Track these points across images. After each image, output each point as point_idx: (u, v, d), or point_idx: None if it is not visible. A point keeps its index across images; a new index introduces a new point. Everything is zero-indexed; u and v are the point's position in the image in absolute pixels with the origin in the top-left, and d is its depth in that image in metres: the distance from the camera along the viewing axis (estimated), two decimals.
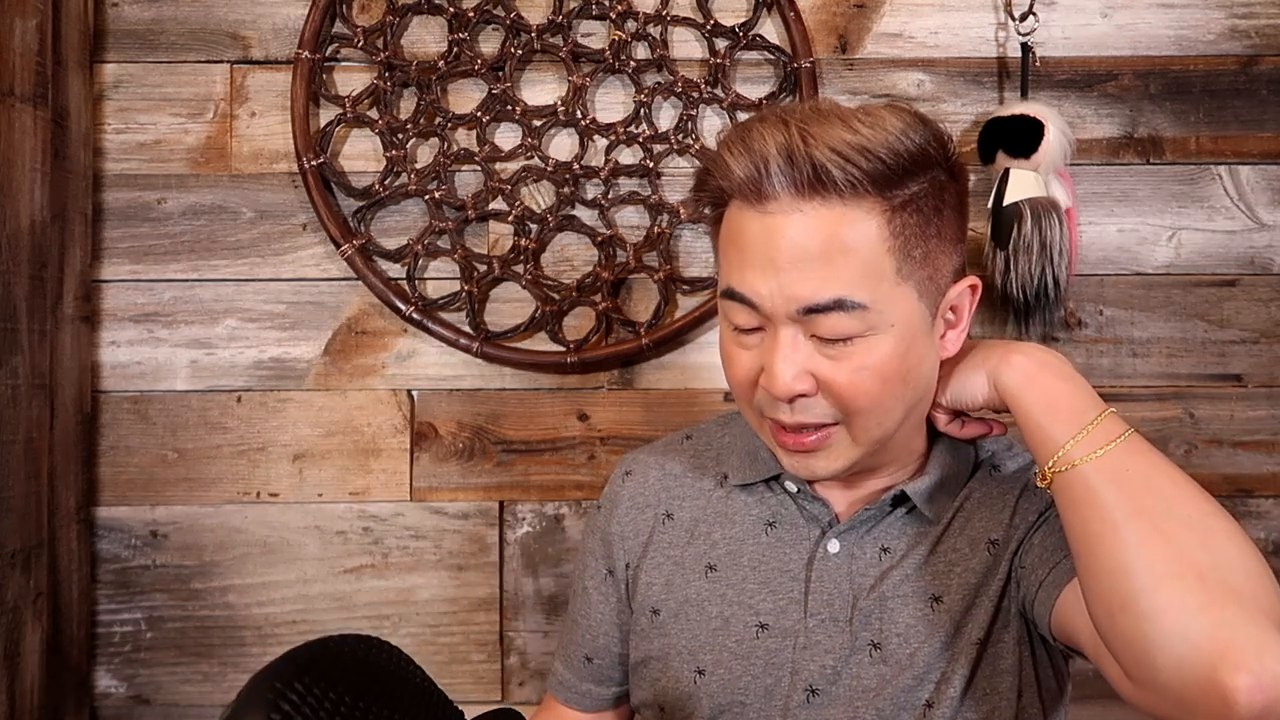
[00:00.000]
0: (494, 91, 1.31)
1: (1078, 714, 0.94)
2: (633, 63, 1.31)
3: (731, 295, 0.81)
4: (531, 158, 1.32)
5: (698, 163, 1.31)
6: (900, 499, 0.88)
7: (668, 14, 1.31)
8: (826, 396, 0.80)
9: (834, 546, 0.88)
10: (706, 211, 0.87)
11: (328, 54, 1.32)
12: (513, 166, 1.33)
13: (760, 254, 0.79)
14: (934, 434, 0.90)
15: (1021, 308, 1.27)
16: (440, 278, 1.34)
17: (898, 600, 0.87)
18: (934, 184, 0.80)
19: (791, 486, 0.91)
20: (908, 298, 0.80)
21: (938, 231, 0.81)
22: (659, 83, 1.32)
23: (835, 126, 0.77)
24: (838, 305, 0.77)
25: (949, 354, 0.85)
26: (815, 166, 0.76)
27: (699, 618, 0.91)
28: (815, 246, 0.77)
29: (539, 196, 1.34)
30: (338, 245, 1.30)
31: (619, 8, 1.31)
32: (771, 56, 1.32)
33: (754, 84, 1.33)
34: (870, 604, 0.87)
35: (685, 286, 1.32)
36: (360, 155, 1.34)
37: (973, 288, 0.85)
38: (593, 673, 1.01)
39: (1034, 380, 0.78)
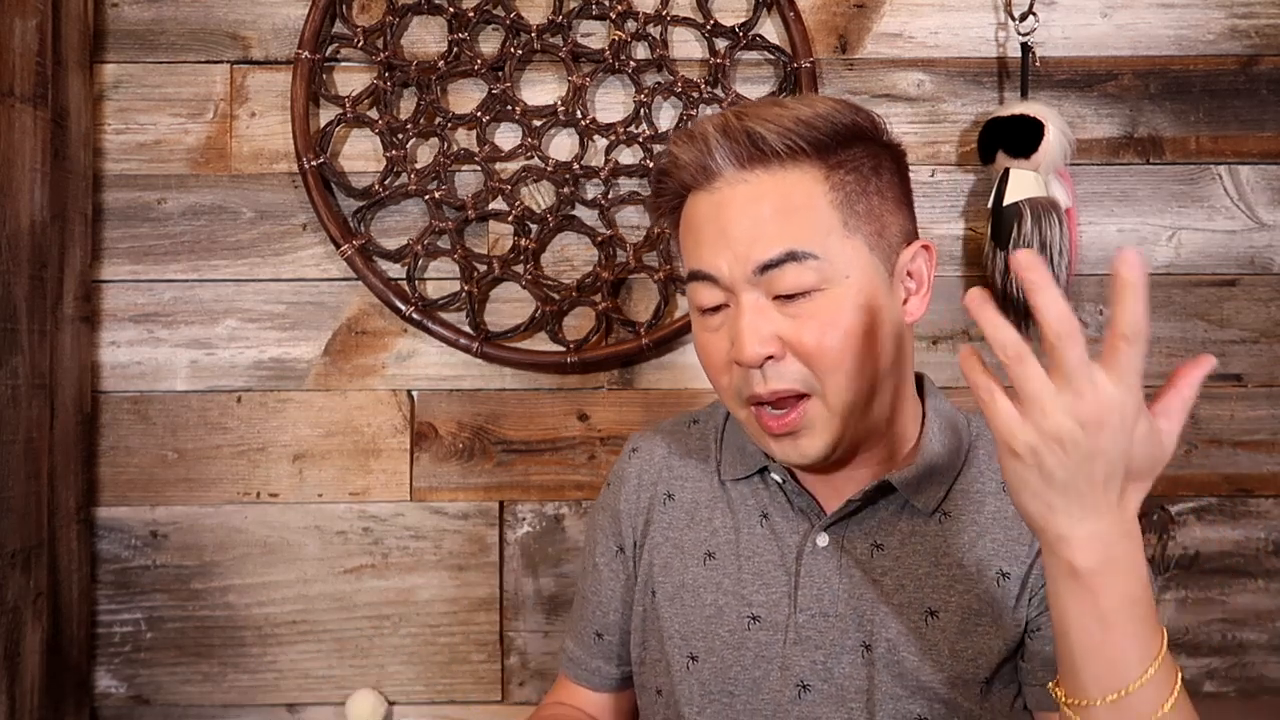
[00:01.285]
0: (494, 91, 1.31)
1: None
2: (633, 63, 1.31)
3: (692, 276, 0.85)
4: (531, 158, 1.32)
5: None
6: (885, 489, 0.87)
7: (668, 14, 1.31)
8: (795, 358, 0.81)
9: (822, 540, 0.88)
10: (665, 218, 0.91)
11: (328, 54, 1.32)
12: (513, 166, 1.33)
13: (713, 228, 0.83)
14: (923, 424, 0.91)
15: (1021, 308, 1.27)
16: (440, 278, 1.34)
17: (892, 607, 0.86)
18: (869, 150, 0.85)
19: (777, 478, 0.91)
20: (859, 250, 0.83)
21: (878, 190, 0.84)
22: (659, 83, 1.32)
23: (770, 106, 0.84)
24: (790, 257, 0.80)
25: (914, 318, 0.87)
26: (750, 134, 0.81)
27: (694, 604, 0.91)
28: (762, 209, 0.81)
29: (539, 196, 1.34)
30: (338, 245, 1.30)
31: (619, 8, 1.31)
32: (771, 56, 1.32)
33: (754, 84, 1.33)
34: (863, 604, 0.86)
35: (685, 287, 1.32)
36: (360, 155, 1.34)
37: (926, 248, 0.88)
38: (603, 649, 1.01)
39: (1092, 597, 0.64)
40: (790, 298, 0.81)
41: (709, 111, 1.32)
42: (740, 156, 0.82)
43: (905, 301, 0.86)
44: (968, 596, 0.85)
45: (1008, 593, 0.85)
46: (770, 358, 0.81)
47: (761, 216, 0.81)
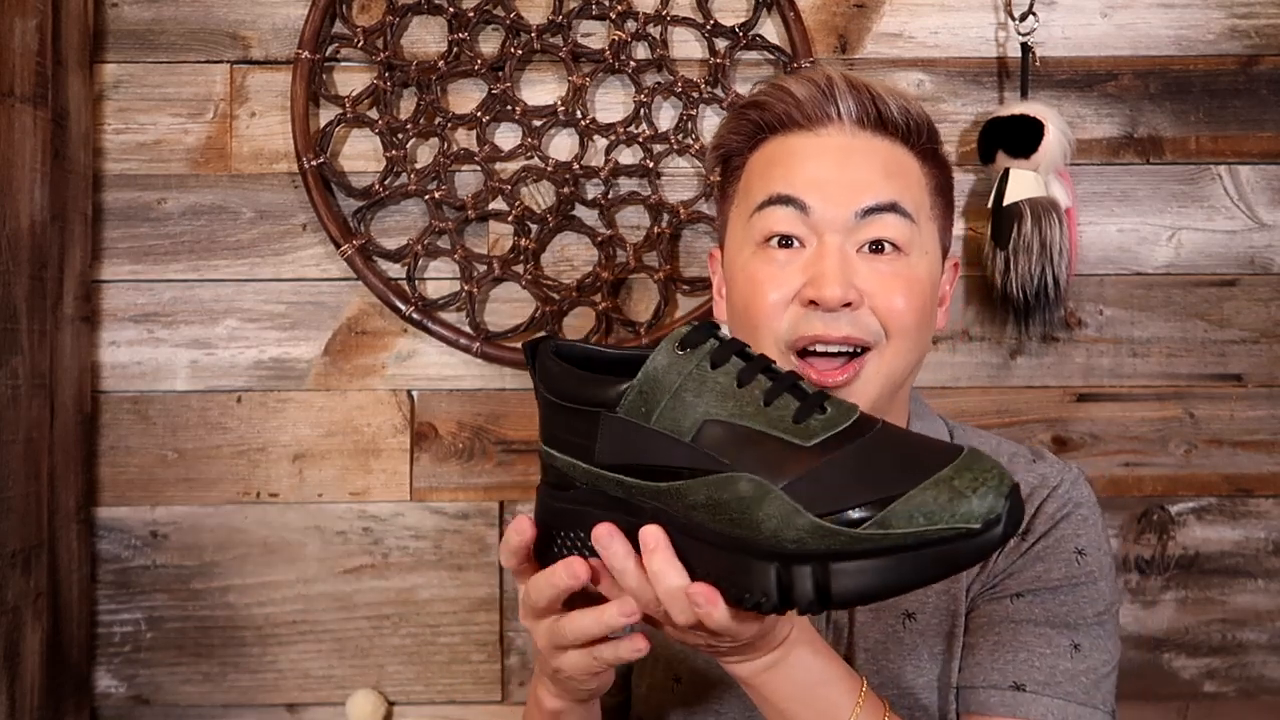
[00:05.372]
0: (494, 91, 1.31)
1: None
2: (633, 63, 1.31)
3: (775, 200, 0.82)
4: (531, 158, 1.32)
5: (699, 162, 1.31)
6: None
7: (668, 14, 1.31)
8: (871, 311, 0.81)
9: None
10: (723, 158, 0.90)
11: (328, 54, 1.32)
12: (513, 166, 1.33)
13: (817, 165, 0.82)
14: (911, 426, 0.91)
15: (1021, 308, 1.27)
16: (440, 278, 1.34)
17: (870, 613, 0.84)
18: (944, 157, 0.89)
19: None
20: (934, 237, 0.85)
21: (944, 194, 0.88)
22: (659, 83, 1.32)
23: (881, 82, 0.86)
24: (894, 208, 0.81)
25: (938, 326, 0.89)
26: (875, 98, 0.82)
27: None
28: (874, 163, 0.82)
29: (539, 196, 1.34)
30: (338, 245, 1.30)
31: (619, 8, 1.31)
32: (771, 56, 1.32)
33: (754, 84, 1.33)
34: (843, 616, 0.84)
35: (685, 286, 1.32)
36: (360, 155, 1.34)
37: (955, 266, 0.92)
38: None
39: (762, 695, 0.71)
40: (878, 251, 0.81)
41: (709, 111, 1.32)
42: (862, 115, 0.83)
43: None
44: (944, 597, 0.84)
45: (963, 593, 0.84)
46: (848, 305, 0.80)
47: (874, 169, 0.82)
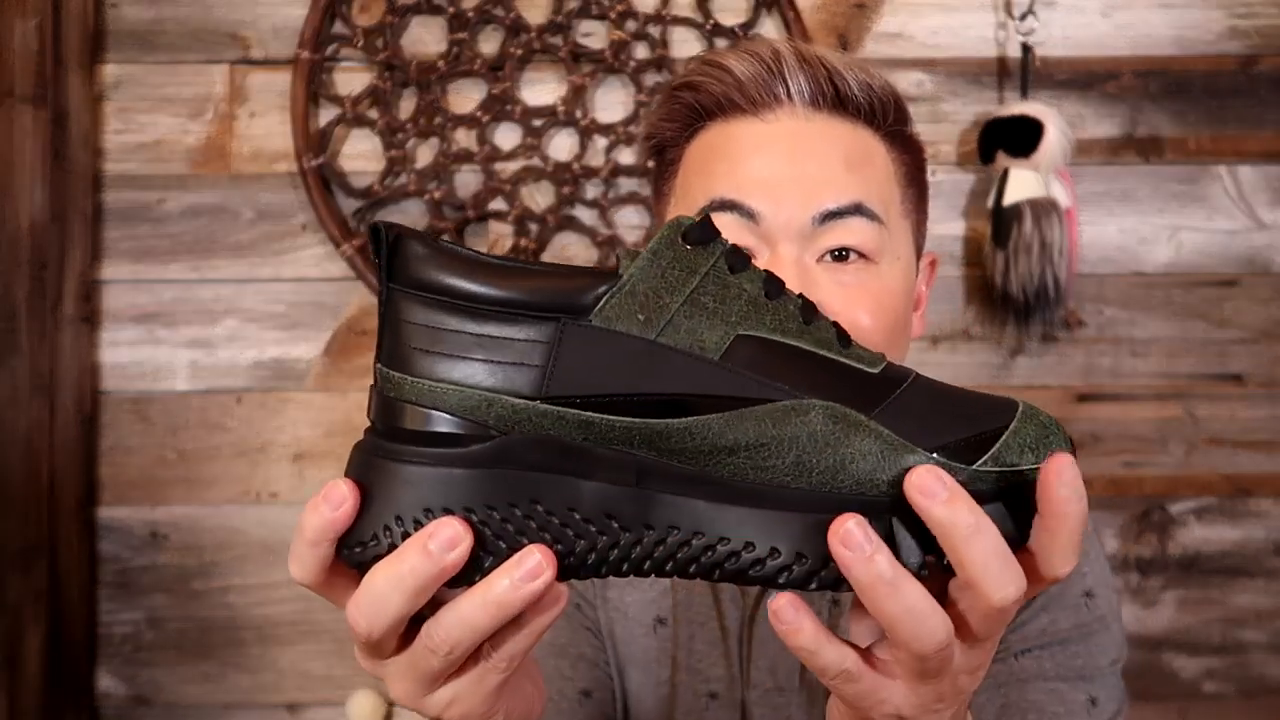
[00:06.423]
0: (494, 91, 1.31)
1: None
2: (633, 63, 1.32)
3: (722, 205, 0.68)
4: (531, 158, 1.32)
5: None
6: None
7: (668, 14, 1.31)
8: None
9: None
10: (657, 150, 0.76)
11: (328, 54, 1.32)
12: (513, 166, 1.33)
13: (763, 156, 0.69)
14: None
15: (1021, 308, 1.27)
16: None
17: None
18: (916, 141, 0.76)
19: None
20: (907, 237, 0.73)
21: (917, 183, 0.76)
22: (659, 83, 1.32)
23: (840, 54, 0.72)
24: (858, 210, 0.67)
25: (915, 334, 0.77)
26: (831, 73, 0.69)
27: (644, 680, 0.80)
28: (833, 153, 0.69)
29: (539, 196, 1.34)
30: (338, 245, 1.30)
31: (619, 8, 1.31)
32: None
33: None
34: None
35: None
36: (360, 155, 1.34)
37: (932, 263, 0.80)
38: (591, 711, 0.81)
39: None
40: (841, 260, 0.68)
41: None
42: (816, 93, 0.69)
43: None
44: None
45: None
46: None
47: (832, 161, 0.68)
